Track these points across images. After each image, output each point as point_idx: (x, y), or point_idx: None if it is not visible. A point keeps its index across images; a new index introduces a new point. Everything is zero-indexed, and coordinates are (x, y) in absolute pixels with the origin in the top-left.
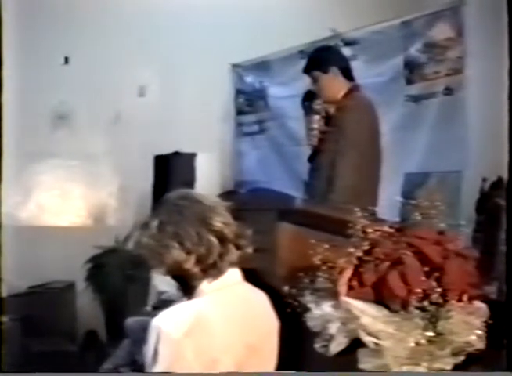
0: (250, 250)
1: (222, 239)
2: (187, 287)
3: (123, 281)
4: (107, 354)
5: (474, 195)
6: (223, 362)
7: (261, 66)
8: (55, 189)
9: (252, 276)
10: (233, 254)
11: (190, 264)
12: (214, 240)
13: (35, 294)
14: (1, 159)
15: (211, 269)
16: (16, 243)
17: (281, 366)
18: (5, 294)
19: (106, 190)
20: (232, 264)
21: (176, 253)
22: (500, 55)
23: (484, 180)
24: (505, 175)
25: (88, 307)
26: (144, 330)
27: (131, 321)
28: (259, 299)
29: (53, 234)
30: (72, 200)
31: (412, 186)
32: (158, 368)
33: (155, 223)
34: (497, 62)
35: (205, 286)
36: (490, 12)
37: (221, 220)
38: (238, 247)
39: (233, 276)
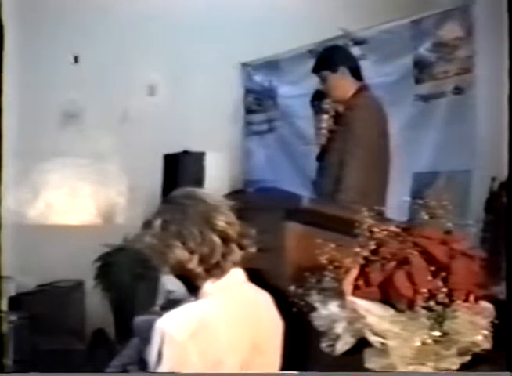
0: (253, 250)
1: (226, 239)
2: (191, 287)
3: (132, 280)
4: (116, 353)
5: (483, 194)
6: (227, 363)
7: (271, 65)
8: (64, 188)
9: (259, 276)
10: (236, 254)
11: (193, 264)
12: (217, 239)
13: (44, 292)
14: (1, 160)
15: (215, 269)
16: (25, 241)
17: (287, 365)
18: (13, 293)
19: (115, 189)
20: (236, 264)
21: (179, 253)
22: (510, 54)
23: (493, 180)
24: (505, 175)
25: (96, 306)
26: (152, 329)
27: (139, 320)
28: (263, 299)
29: (62, 233)
30: (81, 199)
31: (422, 185)
32: (162, 370)
33: (158, 222)
34: (506, 61)
35: (209, 286)
36: (499, 11)
37: (225, 220)
38: (241, 247)
39: (237, 276)
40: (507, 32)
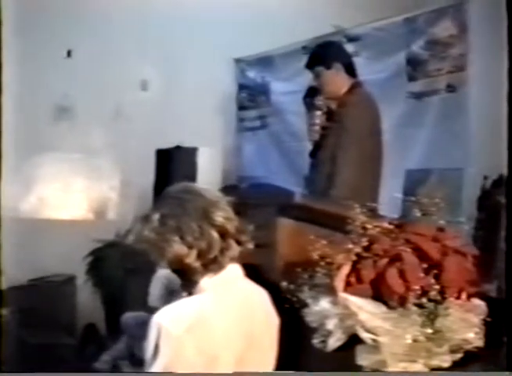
0: (251, 245)
1: (224, 234)
2: (188, 282)
3: (123, 275)
4: (106, 347)
5: (476, 192)
6: (223, 357)
7: (264, 61)
8: (56, 183)
9: (251, 271)
10: (234, 249)
11: (191, 258)
12: (215, 234)
13: (35, 286)
14: (0, 156)
15: (212, 264)
16: (16, 235)
17: (279, 361)
18: (5, 287)
19: (108, 184)
20: (233, 259)
21: (177, 247)
22: (503, 52)
23: (485, 178)
24: (499, 174)
25: (87, 300)
26: (139, 325)
27: (126, 317)
28: (259, 296)
29: (54, 227)
30: (73, 194)
31: (414, 182)
32: (158, 364)
33: (156, 216)
34: (500, 59)
35: (206, 281)
36: (493, 10)
37: (223, 215)
38: (239, 243)
39: (234, 271)
40: (506, 32)
